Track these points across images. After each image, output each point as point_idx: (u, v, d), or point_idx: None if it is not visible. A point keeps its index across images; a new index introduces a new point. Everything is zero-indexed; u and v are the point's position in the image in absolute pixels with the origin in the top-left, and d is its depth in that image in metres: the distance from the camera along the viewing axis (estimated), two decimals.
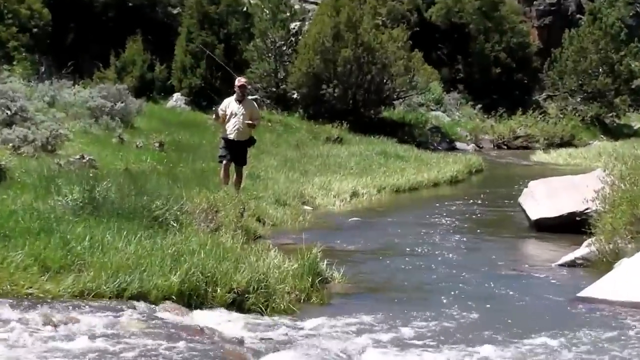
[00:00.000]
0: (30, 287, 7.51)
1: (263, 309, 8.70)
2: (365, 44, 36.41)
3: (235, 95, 15.94)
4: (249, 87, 17.11)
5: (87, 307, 7.35)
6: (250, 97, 17.43)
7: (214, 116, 16.26)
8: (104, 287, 7.72)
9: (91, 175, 12.71)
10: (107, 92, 25.34)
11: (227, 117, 15.75)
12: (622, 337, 7.98)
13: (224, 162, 15.75)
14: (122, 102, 24.85)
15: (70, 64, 33.94)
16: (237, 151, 15.80)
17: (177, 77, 35.87)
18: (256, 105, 17.09)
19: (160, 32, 39.73)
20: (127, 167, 16.52)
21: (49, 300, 7.39)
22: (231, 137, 15.70)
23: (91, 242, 8.57)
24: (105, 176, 12.60)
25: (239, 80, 16.15)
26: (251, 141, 16.14)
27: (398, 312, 9.02)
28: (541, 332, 8.14)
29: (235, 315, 8.29)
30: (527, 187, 16.65)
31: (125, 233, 9.11)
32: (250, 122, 15.68)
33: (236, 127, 15.67)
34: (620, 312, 9.00)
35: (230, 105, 15.86)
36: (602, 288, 9.72)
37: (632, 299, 9.29)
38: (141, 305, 7.68)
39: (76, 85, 28.12)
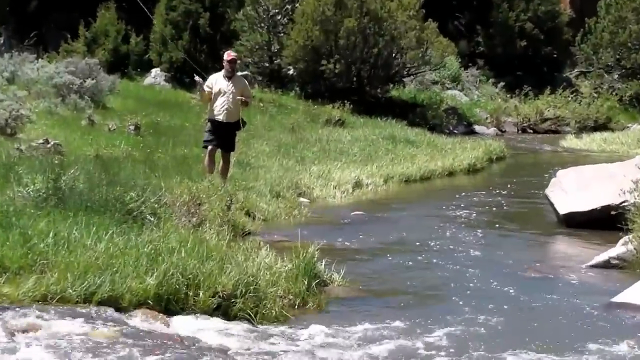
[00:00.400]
0: None
1: (252, 315, 8.69)
2: (371, 13, 36.32)
3: (223, 71, 15.89)
4: (239, 61, 17.04)
5: (50, 313, 7.35)
6: (239, 74, 17.42)
7: (197, 93, 16.15)
8: (70, 291, 7.72)
9: (56, 162, 12.72)
10: (76, 67, 25.29)
11: (214, 95, 15.70)
12: None
13: (210, 147, 15.71)
14: (92, 79, 24.81)
15: (32, 34, 33.83)
16: (225, 135, 15.77)
17: (155, 50, 35.74)
18: (247, 83, 17.06)
19: None
20: (97, 153, 16.49)
21: (6, 305, 7.39)
22: (219, 118, 15.65)
23: (56, 239, 8.56)
24: (72, 163, 12.60)
25: (229, 54, 16.12)
26: (241, 124, 16.11)
27: (406, 319, 9.02)
28: (572, 343, 8.17)
29: (220, 322, 8.29)
30: (555, 176, 16.64)
31: (94, 229, 9.11)
32: (241, 97, 15.65)
33: (224, 107, 15.62)
34: None
35: (218, 82, 15.80)
36: None
37: None
38: (112, 311, 7.68)
39: (40, 59, 28.05)
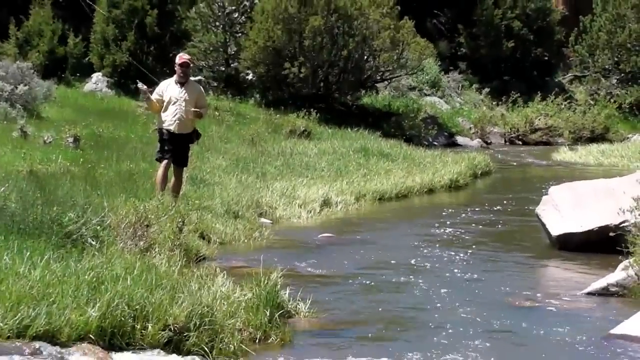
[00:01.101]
0: None
1: (207, 350, 8.69)
2: (340, 10, 36.48)
3: (175, 77, 15.90)
4: (192, 65, 16.94)
5: None
6: (193, 79, 17.40)
7: (143, 101, 16.01)
8: (1, 324, 7.68)
9: None
10: (6, 71, 25.22)
11: (165, 104, 15.65)
12: None
13: (165, 161, 15.68)
14: (25, 85, 24.74)
15: None
16: (177, 147, 15.77)
17: (96, 52, 35.65)
18: (202, 90, 17.04)
19: None
20: (31, 169, 16.44)
21: None
22: (171, 129, 15.61)
23: None
24: (3, 180, 12.55)
25: (181, 57, 16.11)
26: (195, 135, 16.11)
27: (380, 355, 9.05)
28: None
29: (171, 358, 8.28)
30: (547, 193, 16.73)
31: (28, 254, 9.08)
32: (196, 110, 15.64)
33: (177, 116, 15.58)
34: None
35: (169, 88, 15.76)
36: None
37: None
38: (48, 347, 7.65)
39: None
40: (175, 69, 15.96)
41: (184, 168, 16.31)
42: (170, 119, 15.61)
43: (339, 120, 34.78)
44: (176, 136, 15.68)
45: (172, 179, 15.79)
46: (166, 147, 15.67)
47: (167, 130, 15.65)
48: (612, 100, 48.13)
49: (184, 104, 15.58)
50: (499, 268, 14.27)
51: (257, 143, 26.50)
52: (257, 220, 17.15)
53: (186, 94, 15.67)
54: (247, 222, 16.48)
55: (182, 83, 15.80)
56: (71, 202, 11.78)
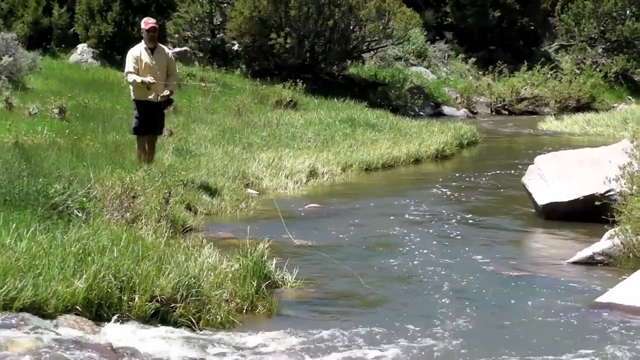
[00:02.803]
0: None
1: (194, 321, 8.71)
2: None
3: (143, 43, 15.67)
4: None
5: None
6: (173, 50, 17.24)
7: (130, 79, 15.71)
8: None
9: None
10: None
11: (142, 73, 15.48)
12: None
13: (146, 135, 15.67)
14: (10, 56, 24.67)
15: None
16: (156, 116, 15.76)
17: (82, 23, 35.50)
18: (170, 53, 16.78)
19: None
20: (17, 141, 16.39)
21: None
22: (151, 97, 15.50)
23: None
24: None
25: (146, 22, 15.71)
26: (168, 101, 15.99)
27: (367, 325, 9.07)
28: (553, 348, 8.25)
29: (158, 330, 8.28)
30: (533, 163, 16.75)
31: (14, 226, 9.06)
32: (168, 86, 15.52)
33: (153, 84, 15.46)
34: None
35: (142, 55, 15.55)
36: (629, 291, 9.83)
37: None
38: (35, 318, 7.65)
39: None
40: (143, 34, 15.67)
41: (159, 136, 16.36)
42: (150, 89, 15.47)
43: (325, 90, 34.78)
44: (154, 105, 15.61)
45: (147, 147, 15.76)
46: (147, 119, 15.61)
47: (147, 100, 15.54)
48: (597, 70, 48.22)
49: (158, 71, 15.50)
50: (486, 238, 14.27)
51: (243, 114, 26.47)
52: (243, 191, 17.17)
53: (158, 60, 15.58)
54: (233, 193, 16.49)
55: (152, 49, 15.63)
56: (57, 174, 11.76)
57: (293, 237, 12.49)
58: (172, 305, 8.70)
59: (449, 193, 18.74)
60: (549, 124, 36.34)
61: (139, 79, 15.35)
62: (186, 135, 20.68)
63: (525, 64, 46.03)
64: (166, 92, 15.48)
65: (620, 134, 27.53)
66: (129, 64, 15.56)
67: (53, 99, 21.91)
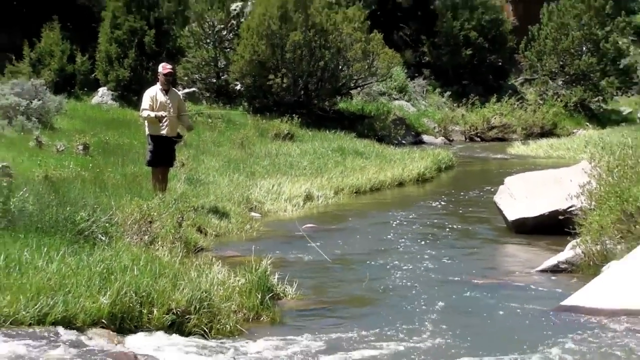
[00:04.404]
0: None
1: (206, 331, 8.73)
2: (316, 26, 36.47)
3: (159, 84, 15.82)
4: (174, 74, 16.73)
5: (2, 336, 7.31)
6: (182, 91, 17.34)
7: (145, 114, 15.83)
8: (23, 313, 7.68)
9: (5, 184, 12.63)
10: (22, 88, 25.12)
11: (157, 110, 15.58)
12: (614, 351, 8.10)
13: (160, 167, 15.74)
14: (39, 100, 24.65)
15: None
16: (168, 150, 15.82)
17: (102, 69, 35.52)
18: (182, 96, 16.94)
19: (81, 17, 39.37)
20: (46, 175, 16.37)
21: None
22: (164, 133, 15.61)
23: (6, 261, 8.54)
24: (21, 185, 12.52)
25: (164, 67, 15.96)
26: (178, 136, 16.14)
27: (360, 330, 9.09)
28: (520, 347, 8.27)
29: (175, 339, 8.30)
30: (503, 183, 16.79)
31: (45, 250, 9.09)
32: (181, 120, 15.72)
33: (166, 121, 15.56)
34: (610, 322, 9.11)
35: (157, 95, 15.71)
36: (589, 295, 9.83)
37: (623, 306, 9.37)
38: (66, 332, 7.66)
39: None
40: (159, 78, 15.83)
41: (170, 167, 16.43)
42: (163, 125, 15.58)
43: (318, 123, 34.78)
44: (167, 139, 15.70)
45: (161, 178, 15.83)
46: (160, 152, 15.68)
47: (160, 135, 15.63)
48: (558, 100, 48.40)
49: (171, 109, 15.60)
50: (461, 250, 14.31)
51: (246, 146, 26.48)
52: (247, 214, 17.18)
53: (171, 100, 15.71)
54: (238, 217, 16.50)
55: (167, 90, 15.79)
56: (82, 203, 11.77)
57: (326, 255, 12.58)
58: (187, 316, 8.73)
59: (429, 212, 18.77)
60: (517, 148, 36.43)
61: (152, 114, 15.46)
62: (196, 166, 20.70)
63: (495, 96, 46.20)
64: (178, 131, 15.63)
65: (580, 156, 27.55)
66: (145, 102, 15.69)
67: (78, 137, 21.90)
